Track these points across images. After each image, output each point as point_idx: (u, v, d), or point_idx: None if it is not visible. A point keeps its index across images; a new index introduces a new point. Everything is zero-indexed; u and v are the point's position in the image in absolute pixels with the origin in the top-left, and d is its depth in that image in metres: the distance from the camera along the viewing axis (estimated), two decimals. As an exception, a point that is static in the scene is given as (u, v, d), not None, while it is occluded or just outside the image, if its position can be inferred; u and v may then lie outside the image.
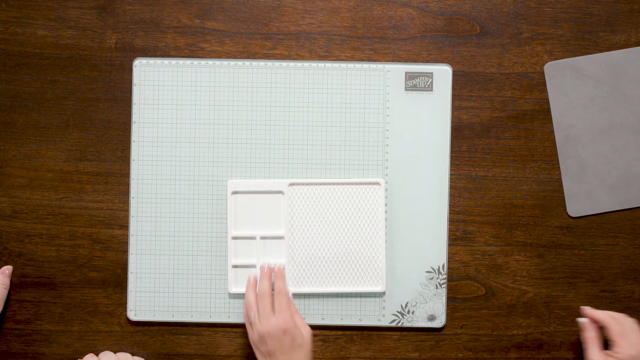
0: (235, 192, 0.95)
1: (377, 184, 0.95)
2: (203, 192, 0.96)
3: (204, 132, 0.96)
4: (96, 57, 0.97)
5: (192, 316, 0.96)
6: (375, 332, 0.97)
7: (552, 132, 0.97)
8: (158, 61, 0.96)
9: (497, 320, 0.96)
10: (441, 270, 0.96)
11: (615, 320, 0.88)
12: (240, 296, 0.96)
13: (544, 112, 0.97)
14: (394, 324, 0.96)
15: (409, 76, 0.96)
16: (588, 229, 0.96)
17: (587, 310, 0.91)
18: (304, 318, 0.96)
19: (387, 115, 0.96)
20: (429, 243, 0.96)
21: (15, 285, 0.97)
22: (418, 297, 0.96)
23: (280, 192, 0.95)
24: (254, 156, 0.96)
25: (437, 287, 0.96)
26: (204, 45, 0.97)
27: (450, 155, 0.96)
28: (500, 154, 0.97)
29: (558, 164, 0.97)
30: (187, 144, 0.96)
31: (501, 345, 0.96)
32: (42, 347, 0.96)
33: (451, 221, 0.96)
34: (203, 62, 0.96)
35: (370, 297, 0.96)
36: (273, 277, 0.91)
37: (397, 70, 0.96)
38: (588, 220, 0.97)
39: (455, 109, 0.97)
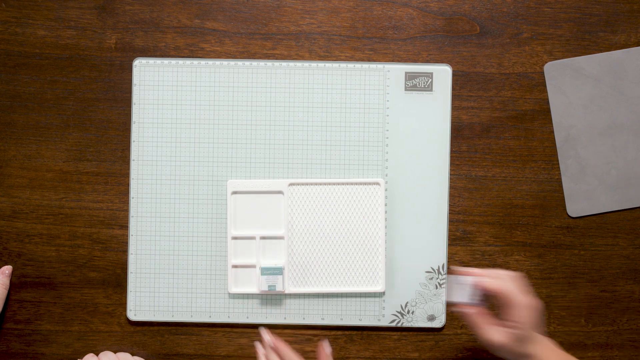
0: (235, 192, 0.95)
1: (377, 184, 0.95)
2: (203, 192, 0.96)
3: (204, 132, 0.96)
4: (96, 57, 0.97)
5: (191, 316, 0.96)
6: (375, 332, 0.97)
7: (552, 132, 0.97)
8: (158, 61, 0.96)
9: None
10: (441, 270, 0.96)
11: (493, 276, 0.81)
12: (240, 296, 0.96)
13: (544, 112, 0.97)
14: (393, 324, 0.96)
15: (409, 76, 0.96)
16: (588, 229, 0.96)
17: (461, 271, 0.83)
18: (304, 318, 0.96)
19: (387, 115, 0.96)
20: (429, 243, 0.96)
21: (15, 285, 0.97)
22: (418, 297, 0.96)
23: (280, 192, 0.96)
24: (254, 156, 0.96)
25: (436, 287, 0.96)
26: (203, 45, 0.97)
27: (450, 155, 0.96)
28: (500, 154, 0.97)
29: (558, 164, 0.97)
30: (187, 144, 0.96)
31: (501, 345, 0.96)
32: (42, 347, 0.96)
33: (451, 221, 0.96)
34: (203, 62, 0.96)
35: (370, 297, 0.96)
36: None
37: (397, 70, 0.96)
38: (588, 220, 0.97)
39: (455, 109, 0.97)
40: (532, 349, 0.81)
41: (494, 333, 0.81)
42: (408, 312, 0.96)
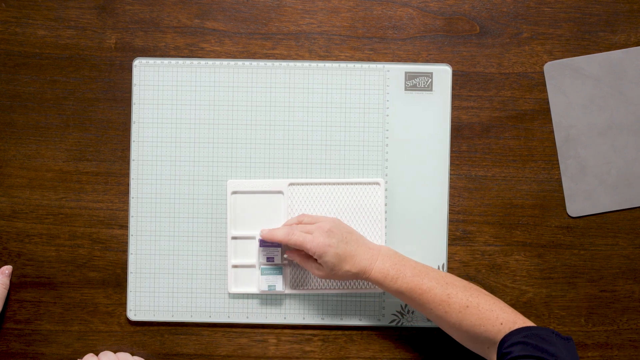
0: (235, 192, 0.95)
1: (377, 184, 0.95)
2: (203, 192, 0.96)
3: (203, 132, 0.96)
4: (96, 57, 0.97)
5: (191, 316, 0.96)
6: (375, 332, 0.96)
7: (552, 132, 0.97)
8: (158, 61, 0.96)
9: (497, 320, 0.96)
10: (441, 270, 0.96)
11: (295, 234, 0.89)
12: (240, 296, 0.96)
13: (544, 112, 0.97)
14: (393, 324, 0.96)
15: (409, 76, 0.96)
16: (588, 229, 0.96)
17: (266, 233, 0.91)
18: (304, 318, 0.96)
19: (387, 115, 0.96)
20: (429, 243, 0.96)
21: (15, 285, 0.97)
22: (418, 297, 0.96)
23: (280, 192, 0.95)
24: (254, 156, 0.96)
25: (436, 287, 0.96)
26: (203, 45, 0.97)
27: (450, 155, 0.96)
28: (500, 154, 0.97)
29: (558, 164, 0.97)
30: (186, 144, 0.96)
31: (501, 345, 0.96)
32: (42, 347, 0.96)
33: (451, 221, 0.96)
34: (203, 62, 0.96)
35: (370, 297, 0.96)
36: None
37: (396, 70, 0.96)
38: (588, 220, 0.97)
39: (455, 108, 0.97)
40: (356, 264, 0.87)
41: (314, 268, 0.89)
42: (408, 312, 0.96)
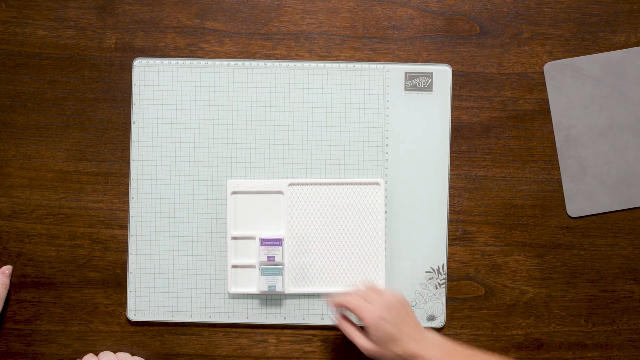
0: (235, 192, 0.95)
1: (377, 184, 0.95)
2: (203, 192, 0.96)
3: (203, 132, 0.96)
4: (96, 57, 0.97)
5: (191, 316, 0.96)
6: (374, 332, 0.96)
7: (552, 132, 0.97)
8: (158, 61, 0.96)
9: (497, 320, 0.96)
10: (441, 270, 0.96)
11: (354, 299, 0.85)
12: (240, 296, 0.96)
13: (544, 112, 0.97)
14: (393, 324, 0.96)
15: (409, 76, 0.96)
16: (588, 229, 0.96)
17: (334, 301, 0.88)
18: (304, 318, 0.96)
19: (387, 116, 0.96)
20: (429, 243, 0.96)
21: (15, 285, 0.97)
22: (418, 297, 0.96)
23: (279, 192, 0.95)
24: (254, 156, 0.96)
25: (436, 287, 0.96)
26: (203, 45, 0.97)
27: (450, 155, 0.96)
28: (500, 154, 0.97)
29: (558, 164, 0.96)
30: (186, 144, 0.96)
31: (501, 345, 0.96)
32: (41, 347, 0.96)
33: (451, 221, 0.96)
34: (203, 62, 0.96)
35: (369, 297, 0.96)
36: None
37: (396, 71, 0.96)
38: (588, 220, 0.96)
39: (454, 109, 0.97)
40: (408, 349, 0.82)
41: (360, 340, 0.85)
42: (408, 312, 0.96)
